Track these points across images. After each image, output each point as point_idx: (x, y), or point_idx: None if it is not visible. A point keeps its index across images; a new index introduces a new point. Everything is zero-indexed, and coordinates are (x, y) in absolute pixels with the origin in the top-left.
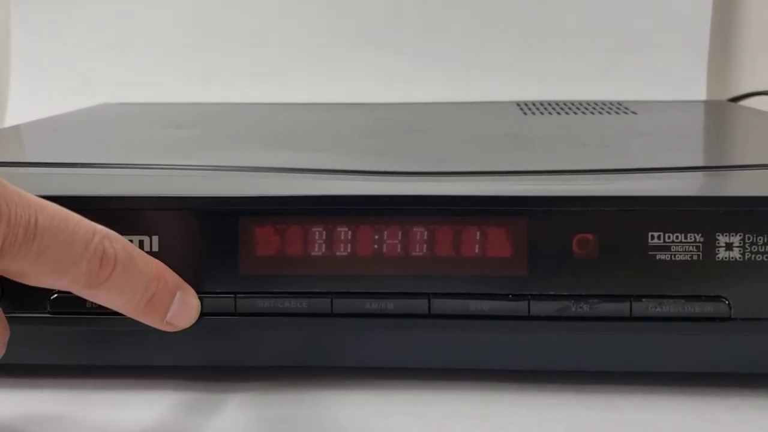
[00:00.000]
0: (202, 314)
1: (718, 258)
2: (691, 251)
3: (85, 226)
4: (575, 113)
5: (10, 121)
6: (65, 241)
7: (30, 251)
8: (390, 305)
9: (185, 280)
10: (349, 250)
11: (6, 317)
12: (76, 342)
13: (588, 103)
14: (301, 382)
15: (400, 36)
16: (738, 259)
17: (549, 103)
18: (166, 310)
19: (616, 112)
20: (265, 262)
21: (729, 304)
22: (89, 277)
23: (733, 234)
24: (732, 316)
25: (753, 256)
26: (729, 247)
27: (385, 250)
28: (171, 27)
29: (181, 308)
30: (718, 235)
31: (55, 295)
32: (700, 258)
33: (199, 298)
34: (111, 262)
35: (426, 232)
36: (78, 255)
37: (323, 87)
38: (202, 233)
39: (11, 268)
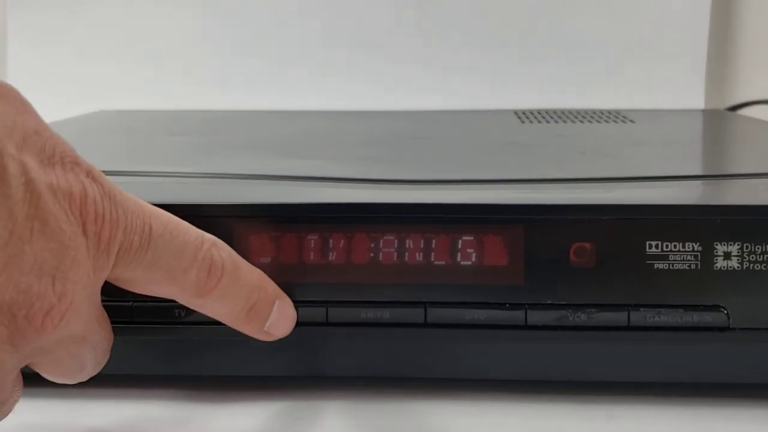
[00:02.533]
0: (205, 323)
1: (717, 267)
2: (689, 260)
3: (194, 233)
4: (573, 122)
5: None
6: (177, 249)
7: (144, 259)
8: (386, 314)
9: None
10: (344, 259)
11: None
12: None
13: (586, 111)
14: (292, 389)
15: (400, 45)
16: (736, 268)
17: (546, 112)
18: (265, 320)
19: (614, 121)
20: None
21: (727, 313)
22: (198, 285)
23: (732, 243)
24: (730, 326)
25: (751, 265)
26: (727, 256)
27: (381, 258)
28: (168, 35)
29: (279, 318)
30: (717, 244)
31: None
32: (699, 267)
33: None
34: (219, 271)
35: (422, 241)
36: (188, 263)
37: (322, 95)
38: None
39: (123, 276)
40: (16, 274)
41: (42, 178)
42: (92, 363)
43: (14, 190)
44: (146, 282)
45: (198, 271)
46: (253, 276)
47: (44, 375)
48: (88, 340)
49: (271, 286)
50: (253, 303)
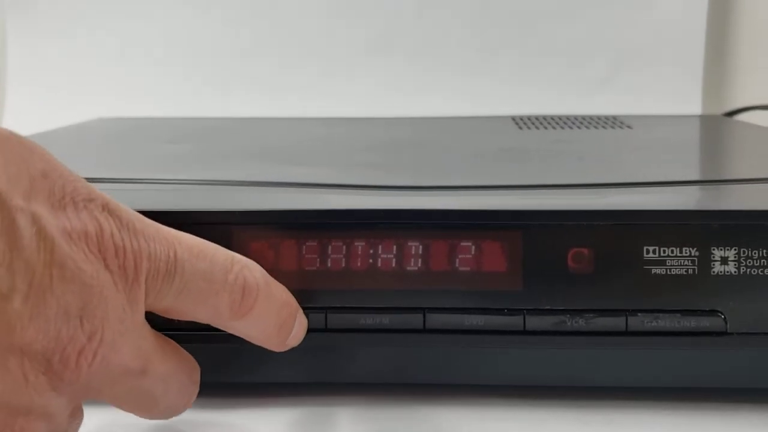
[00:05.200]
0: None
1: (714, 272)
2: (686, 265)
3: (222, 255)
4: (570, 128)
5: None
6: (206, 271)
7: (173, 285)
8: (385, 320)
9: None
10: (343, 265)
11: None
12: None
13: (583, 117)
14: (289, 395)
15: (399, 49)
16: (733, 273)
17: (544, 118)
18: (290, 333)
19: (612, 127)
20: None
21: (725, 318)
22: (233, 307)
23: (729, 248)
24: (728, 331)
25: (748, 270)
26: (724, 261)
27: (379, 264)
28: (168, 40)
29: (298, 329)
30: (714, 249)
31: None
32: (696, 272)
33: None
34: (254, 292)
35: (421, 247)
36: (219, 285)
37: (322, 98)
38: None
39: (156, 306)
40: (42, 323)
41: (54, 222)
42: (167, 396)
43: (27, 241)
44: (179, 310)
45: (231, 294)
46: (281, 292)
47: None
48: (150, 373)
49: (293, 299)
50: (282, 319)
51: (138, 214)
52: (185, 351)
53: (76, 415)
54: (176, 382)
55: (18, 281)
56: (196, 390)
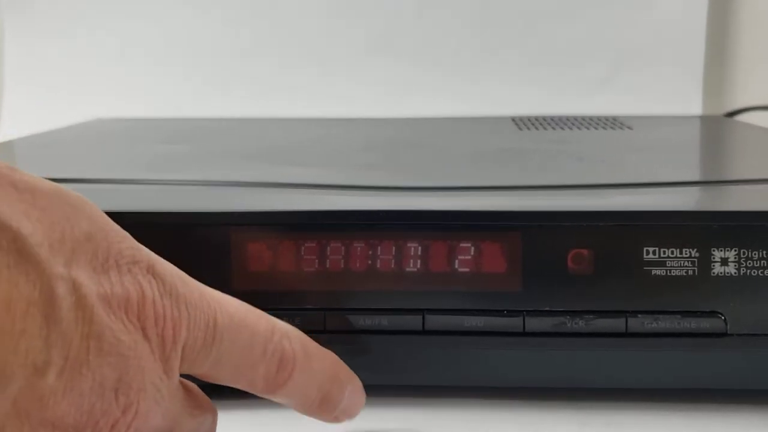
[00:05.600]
0: None
1: (714, 273)
2: (686, 266)
3: (264, 324)
4: (570, 128)
5: (2, 136)
6: (245, 343)
7: (210, 356)
8: (384, 321)
9: None
10: (342, 266)
11: None
12: None
13: (583, 118)
14: None
15: (399, 50)
16: (734, 274)
17: (544, 118)
18: (337, 407)
19: (612, 127)
20: (257, 278)
21: (725, 319)
22: (267, 380)
23: (729, 249)
24: (728, 332)
25: (748, 271)
26: (724, 262)
27: (378, 265)
28: (167, 40)
29: (349, 404)
30: (714, 250)
31: None
32: (696, 273)
33: None
34: (289, 364)
35: (420, 248)
36: (258, 357)
37: (322, 98)
38: (194, 249)
39: (190, 372)
40: (76, 397)
41: (94, 289)
42: None
43: (65, 312)
44: (215, 377)
45: (267, 366)
46: (326, 364)
47: None
48: (177, 431)
49: (344, 372)
50: (325, 393)
51: (182, 273)
52: (206, 397)
53: None
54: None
55: (54, 355)
56: None
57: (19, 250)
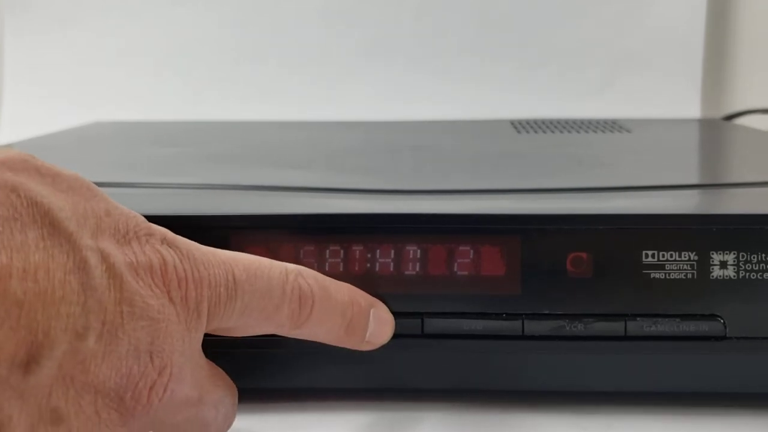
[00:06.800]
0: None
1: (713, 276)
2: (685, 270)
3: (277, 268)
4: (569, 132)
5: (1, 139)
6: (264, 288)
7: (235, 308)
8: None
9: None
10: (341, 269)
11: None
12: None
13: (582, 121)
14: (282, 400)
15: (398, 54)
16: (733, 277)
17: (543, 122)
18: (364, 331)
19: (611, 131)
20: None
21: (724, 322)
22: (292, 318)
23: (728, 252)
24: (727, 335)
25: (747, 274)
26: (723, 265)
27: (377, 269)
28: (166, 44)
29: (377, 326)
30: (713, 254)
31: None
32: (695, 276)
33: None
34: (309, 300)
35: (419, 251)
36: (279, 299)
37: (320, 102)
38: None
39: (221, 327)
40: (115, 360)
41: (121, 259)
42: (217, 422)
43: (98, 280)
44: (242, 328)
45: (290, 304)
46: (343, 292)
47: None
48: (205, 400)
49: (363, 297)
50: (349, 319)
51: (194, 242)
52: (227, 375)
53: None
54: (224, 406)
55: (92, 320)
56: (236, 413)
57: (52, 223)
